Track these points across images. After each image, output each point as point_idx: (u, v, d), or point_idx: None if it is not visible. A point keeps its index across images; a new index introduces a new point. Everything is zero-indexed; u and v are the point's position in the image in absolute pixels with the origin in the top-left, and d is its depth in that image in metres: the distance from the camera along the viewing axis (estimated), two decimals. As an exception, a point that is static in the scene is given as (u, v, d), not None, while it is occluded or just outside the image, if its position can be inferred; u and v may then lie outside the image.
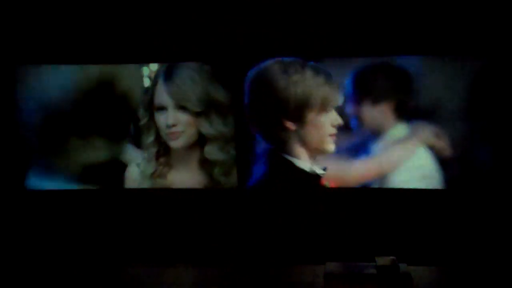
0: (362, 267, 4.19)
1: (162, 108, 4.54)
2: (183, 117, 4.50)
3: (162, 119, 4.55)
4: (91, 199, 4.75)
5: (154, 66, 4.56)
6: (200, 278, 4.29)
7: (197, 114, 4.50)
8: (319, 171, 4.23)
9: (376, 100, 4.17)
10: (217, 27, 4.48)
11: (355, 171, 4.25)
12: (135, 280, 4.31)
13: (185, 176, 4.58)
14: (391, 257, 4.16)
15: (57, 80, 4.58)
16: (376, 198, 4.44)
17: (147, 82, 4.58)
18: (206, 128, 4.49)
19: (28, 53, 4.65)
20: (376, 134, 4.24)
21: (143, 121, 4.57)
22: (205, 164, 4.53)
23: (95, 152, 4.62)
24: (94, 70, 4.55)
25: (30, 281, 4.26)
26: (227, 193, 4.57)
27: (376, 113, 4.18)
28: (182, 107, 4.50)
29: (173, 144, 4.54)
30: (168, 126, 4.53)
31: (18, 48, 4.64)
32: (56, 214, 4.78)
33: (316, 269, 4.27)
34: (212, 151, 4.48)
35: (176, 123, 4.52)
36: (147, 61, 4.53)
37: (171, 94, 4.52)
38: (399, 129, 4.21)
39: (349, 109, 4.19)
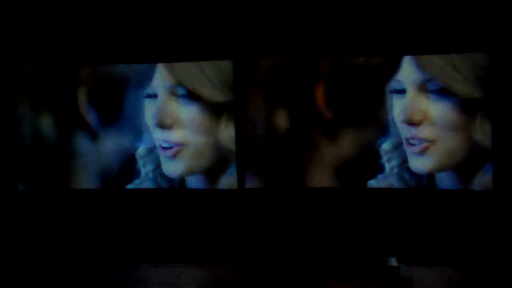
0: (362, 267, 4.17)
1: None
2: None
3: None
4: (91, 199, 4.74)
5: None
6: (200, 278, 4.27)
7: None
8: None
9: None
10: (215, 26, 4.51)
11: None
12: (136, 279, 4.29)
13: None
14: (392, 258, 4.14)
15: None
16: (377, 198, 4.43)
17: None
18: None
19: (28, 54, 4.68)
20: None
21: None
22: None
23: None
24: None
25: (31, 281, 4.25)
26: (227, 193, 4.57)
27: None
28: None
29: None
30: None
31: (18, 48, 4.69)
32: (55, 214, 4.77)
33: (317, 269, 4.25)
34: None
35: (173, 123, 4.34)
36: (146, 61, 4.54)
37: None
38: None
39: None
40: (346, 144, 4.28)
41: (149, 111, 4.34)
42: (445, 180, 4.19)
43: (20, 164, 4.68)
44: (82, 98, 4.47)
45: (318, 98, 4.31)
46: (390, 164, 4.25)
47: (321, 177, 4.38)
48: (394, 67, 4.17)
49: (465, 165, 4.12)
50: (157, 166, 4.47)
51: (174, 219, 4.68)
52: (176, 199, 4.67)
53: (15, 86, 4.67)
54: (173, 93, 4.19)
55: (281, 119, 4.43)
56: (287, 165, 4.48)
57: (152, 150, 4.43)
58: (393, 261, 4.09)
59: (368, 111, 4.24)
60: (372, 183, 4.32)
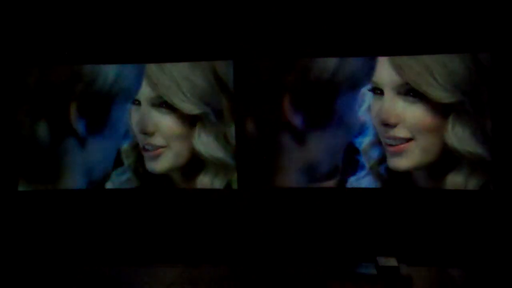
0: (362, 267, 4.17)
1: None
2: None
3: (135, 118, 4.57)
4: (90, 199, 4.75)
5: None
6: (199, 278, 4.28)
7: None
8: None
9: None
10: (215, 27, 4.51)
11: None
12: (136, 279, 4.30)
13: None
14: (392, 258, 4.14)
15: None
16: (377, 198, 4.43)
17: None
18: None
19: (30, 54, 4.69)
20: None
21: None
22: None
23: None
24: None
25: (27, 281, 4.26)
26: (227, 193, 4.58)
27: None
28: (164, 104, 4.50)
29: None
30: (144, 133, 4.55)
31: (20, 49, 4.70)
32: (52, 214, 4.78)
33: (317, 269, 4.26)
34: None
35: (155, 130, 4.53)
36: (146, 61, 4.55)
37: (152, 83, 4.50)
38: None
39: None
40: (328, 144, 4.47)
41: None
42: (420, 178, 4.36)
43: None
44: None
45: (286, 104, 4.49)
46: (369, 162, 4.43)
47: (296, 176, 4.52)
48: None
49: (438, 165, 4.31)
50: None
51: (174, 219, 4.69)
52: (174, 199, 4.69)
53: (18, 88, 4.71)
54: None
55: (280, 119, 4.49)
56: (287, 165, 4.50)
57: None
58: (393, 261, 4.09)
59: (349, 111, 4.44)
60: (352, 180, 4.44)
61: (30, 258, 4.69)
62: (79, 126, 4.67)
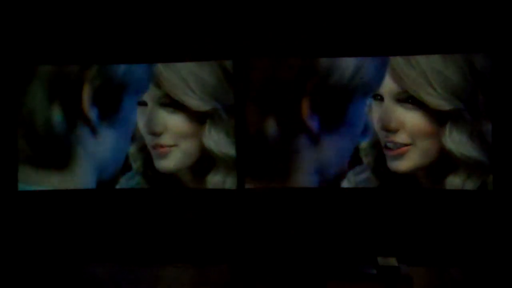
0: (362, 267, 4.17)
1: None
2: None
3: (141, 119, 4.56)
4: (90, 199, 4.75)
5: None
6: (200, 278, 4.28)
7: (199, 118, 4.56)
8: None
9: None
10: (216, 27, 4.52)
11: None
12: (136, 279, 4.30)
13: None
14: (392, 258, 4.14)
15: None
16: (377, 198, 4.44)
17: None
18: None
19: (31, 54, 4.69)
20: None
21: None
22: None
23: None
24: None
25: (29, 282, 4.26)
26: (227, 193, 4.58)
27: None
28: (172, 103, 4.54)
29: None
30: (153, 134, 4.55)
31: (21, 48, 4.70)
32: (53, 215, 4.77)
33: (317, 269, 4.26)
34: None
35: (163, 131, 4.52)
36: (146, 61, 4.55)
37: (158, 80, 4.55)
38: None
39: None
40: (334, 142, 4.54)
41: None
42: (420, 179, 4.44)
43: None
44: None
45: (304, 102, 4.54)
46: (367, 159, 4.51)
47: (306, 175, 4.55)
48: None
49: (437, 168, 4.41)
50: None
51: (174, 219, 4.69)
52: (177, 199, 4.69)
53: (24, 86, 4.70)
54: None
55: (279, 119, 4.50)
56: (287, 165, 4.51)
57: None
58: (393, 261, 4.10)
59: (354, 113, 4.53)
60: (349, 175, 4.50)
61: (31, 258, 4.69)
62: (92, 115, 4.64)
